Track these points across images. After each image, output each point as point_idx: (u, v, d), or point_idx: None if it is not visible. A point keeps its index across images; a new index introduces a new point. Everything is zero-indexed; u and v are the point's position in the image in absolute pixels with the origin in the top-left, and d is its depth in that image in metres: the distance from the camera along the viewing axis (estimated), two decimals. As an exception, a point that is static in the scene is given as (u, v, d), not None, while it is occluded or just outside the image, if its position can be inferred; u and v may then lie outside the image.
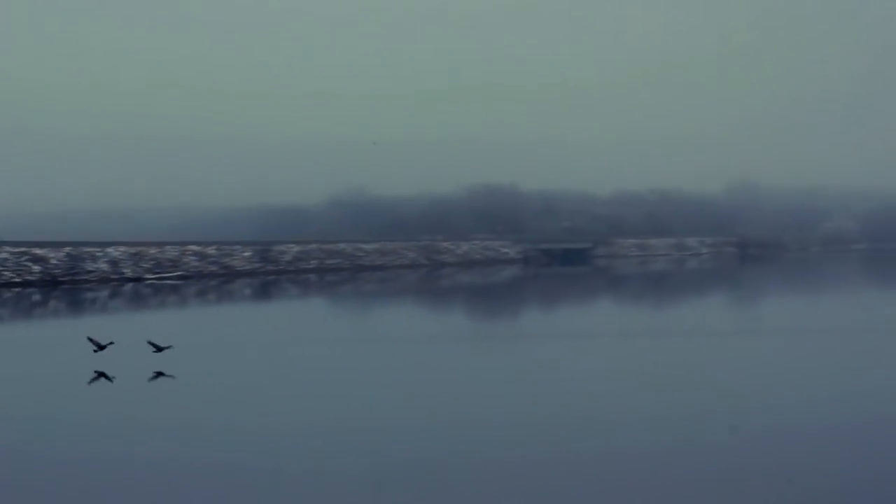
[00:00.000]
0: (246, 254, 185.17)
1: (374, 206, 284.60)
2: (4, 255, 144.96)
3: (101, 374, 52.76)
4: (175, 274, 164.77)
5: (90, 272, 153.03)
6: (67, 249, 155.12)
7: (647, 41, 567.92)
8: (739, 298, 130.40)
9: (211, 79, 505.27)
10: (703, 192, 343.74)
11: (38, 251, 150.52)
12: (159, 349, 57.01)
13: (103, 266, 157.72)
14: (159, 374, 52.16)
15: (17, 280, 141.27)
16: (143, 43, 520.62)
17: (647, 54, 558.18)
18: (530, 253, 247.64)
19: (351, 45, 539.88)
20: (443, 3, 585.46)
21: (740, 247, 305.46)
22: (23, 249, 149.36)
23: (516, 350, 67.44)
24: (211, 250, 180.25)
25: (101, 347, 57.53)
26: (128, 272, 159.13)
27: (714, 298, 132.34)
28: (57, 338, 77.72)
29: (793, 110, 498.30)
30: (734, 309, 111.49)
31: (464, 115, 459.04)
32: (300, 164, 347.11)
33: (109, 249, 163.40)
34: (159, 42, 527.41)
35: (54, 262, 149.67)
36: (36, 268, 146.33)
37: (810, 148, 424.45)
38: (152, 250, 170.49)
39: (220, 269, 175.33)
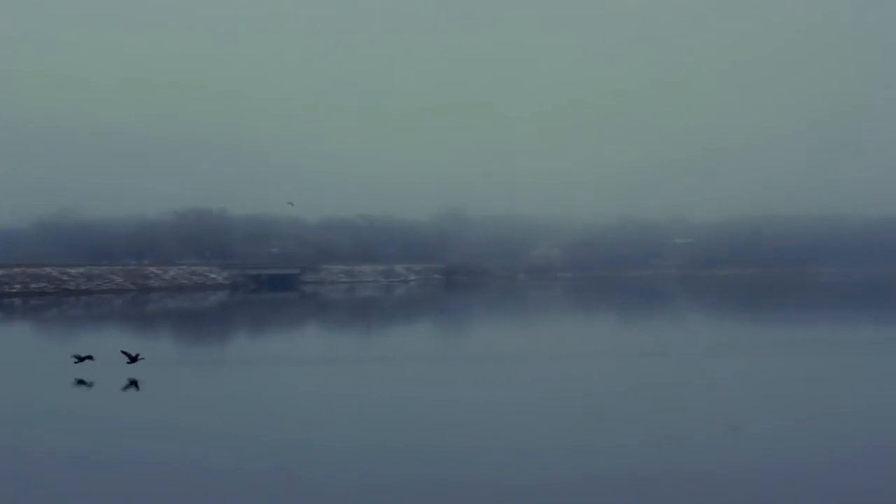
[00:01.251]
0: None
1: (82, 230, 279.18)
2: None
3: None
4: None
5: None
6: None
7: (385, 67, 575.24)
8: (440, 326, 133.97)
9: None
10: (412, 219, 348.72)
11: None
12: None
13: None
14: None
15: None
16: None
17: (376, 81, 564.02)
18: (239, 278, 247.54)
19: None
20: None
21: (447, 274, 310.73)
22: None
23: (205, 376, 68.90)
24: None
25: (81, 359, 64.55)
26: None
27: (415, 325, 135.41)
28: None
29: (512, 139, 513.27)
30: (432, 336, 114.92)
31: (173, 126, 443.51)
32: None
33: None
34: None
35: None
36: None
37: (520, 178, 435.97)
38: None
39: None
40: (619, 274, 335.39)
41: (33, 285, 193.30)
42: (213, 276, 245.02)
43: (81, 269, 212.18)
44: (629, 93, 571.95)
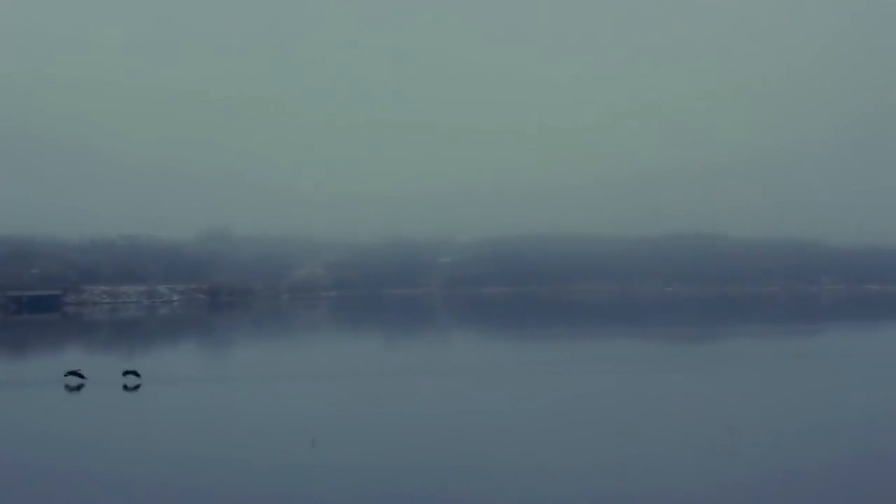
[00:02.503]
0: None
1: None
2: None
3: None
4: None
5: None
6: None
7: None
8: (204, 347, 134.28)
9: None
10: (175, 238, 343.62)
11: None
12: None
13: None
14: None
15: None
16: None
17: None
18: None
19: None
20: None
21: (212, 294, 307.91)
22: None
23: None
24: None
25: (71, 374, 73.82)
26: None
27: (179, 346, 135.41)
28: None
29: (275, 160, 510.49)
30: (195, 357, 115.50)
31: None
32: None
33: None
34: None
35: None
36: None
37: (287, 197, 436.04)
38: None
39: None
40: (384, 292, 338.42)
41: None
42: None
43: None
44: (407, 121, 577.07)
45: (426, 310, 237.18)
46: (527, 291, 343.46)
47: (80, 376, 73.92)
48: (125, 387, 72.17)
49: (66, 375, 73.86)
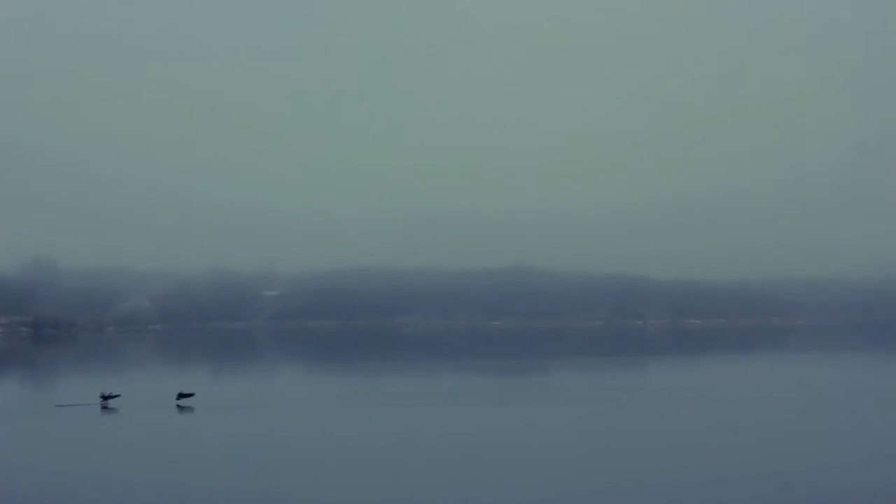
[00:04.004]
0: None
1: None
2: None
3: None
4: None
5: None
6: None
7: None
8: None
9: None
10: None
11: None
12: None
13: None
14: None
15: None
16: None
17: None
18: None
19: None
20: None
21: (36, 327, 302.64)
22: None
23: None
24: None
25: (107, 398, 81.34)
26: None
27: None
28: None
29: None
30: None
31: None
32: None
33: None
34: None
35: None
36: None
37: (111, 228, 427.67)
38: None
39: None
40: (211, 325, 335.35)
41: None
42: None
43: None
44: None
45: (250, 343, 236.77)
46: (352, 324, 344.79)
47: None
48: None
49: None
